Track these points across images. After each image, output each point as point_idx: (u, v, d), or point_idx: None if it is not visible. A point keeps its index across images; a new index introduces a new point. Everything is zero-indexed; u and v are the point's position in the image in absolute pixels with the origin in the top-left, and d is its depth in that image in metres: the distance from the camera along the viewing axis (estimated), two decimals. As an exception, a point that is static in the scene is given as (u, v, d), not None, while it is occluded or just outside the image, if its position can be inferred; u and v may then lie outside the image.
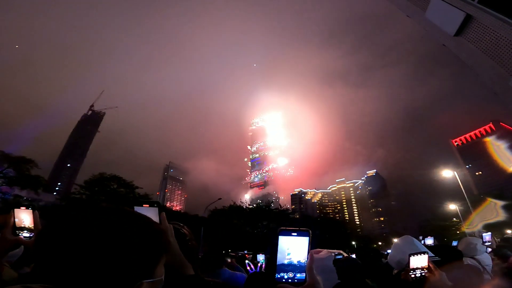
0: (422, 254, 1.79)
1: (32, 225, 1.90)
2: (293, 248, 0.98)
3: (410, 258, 1.78)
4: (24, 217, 2.16)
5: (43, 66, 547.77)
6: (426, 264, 1.77)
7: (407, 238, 2.32)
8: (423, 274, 1.75)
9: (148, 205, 1.24)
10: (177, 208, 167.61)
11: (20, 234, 2.04)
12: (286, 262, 0.98)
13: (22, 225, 2.09)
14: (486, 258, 3.67)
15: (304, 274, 0.97)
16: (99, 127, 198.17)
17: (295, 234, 0.98)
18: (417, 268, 1.77)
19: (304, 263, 0.98)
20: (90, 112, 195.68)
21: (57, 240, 0.68)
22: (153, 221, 0.86)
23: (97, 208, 0.77)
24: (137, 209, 1.16)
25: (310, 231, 1.00)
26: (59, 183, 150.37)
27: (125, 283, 0.69)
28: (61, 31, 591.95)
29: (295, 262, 0.98)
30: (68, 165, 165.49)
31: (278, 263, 0.97)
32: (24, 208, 2.20)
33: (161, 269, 0.83)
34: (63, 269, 0.65)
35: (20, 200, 33.31)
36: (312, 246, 1.01)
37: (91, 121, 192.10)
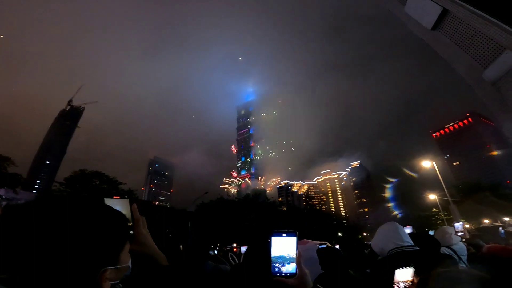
0: (407, 268, 1.81)
1: None
2: (284, 246, 1.14)
3: (396, 271, 1.80)
4: None
5: (24, 58, 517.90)
6: (411, 278, 1.80)
7: (391, 224, 2.32)
8: (406, 287, 1.78)
9: (118, 197, 1.27)
10: (163, 203, 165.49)
11: None
12: (278, 258, 1.14)
13: None
14: (461, 248, 3.72)
15: (294, 268, 1.11)
16: (79, 123, 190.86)
17: (285, 234, 1.15)
18: (401, 282, 1.80)
19: (294, 258, 1.12)
20: (68, 107, 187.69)
21: (11, 230, 0.66)
22: (112, 208, 0.85)
23: (53, 198, 0.78)
24: (107, 201, 1.18)
25: (297, 232, 1.16)
26: (38, 181, 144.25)
27: (88, 270, 0.70)
28: (45, 22, 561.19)
29: (285, 257, 1.14)
30: (47, 162, 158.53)
31: (272, 259, 1.14)
32: None
33: (126, 256, 0.85)
34: (18, 260, 0.64)
35: None
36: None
37: (70, 117, 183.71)
